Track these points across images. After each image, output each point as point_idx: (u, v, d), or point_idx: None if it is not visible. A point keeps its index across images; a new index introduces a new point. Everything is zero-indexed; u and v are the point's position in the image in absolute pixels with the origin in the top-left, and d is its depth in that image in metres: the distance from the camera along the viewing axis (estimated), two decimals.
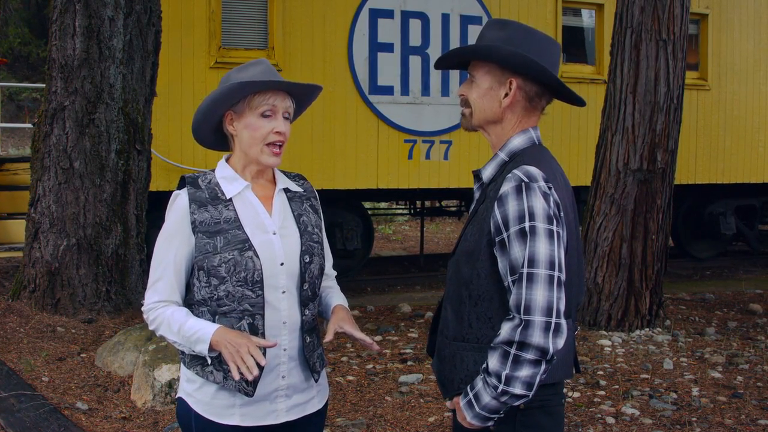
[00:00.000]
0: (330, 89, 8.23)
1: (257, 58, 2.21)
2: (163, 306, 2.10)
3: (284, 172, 2.28)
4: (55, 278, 6.20)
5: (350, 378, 5.04)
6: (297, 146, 8.10)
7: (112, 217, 6.32)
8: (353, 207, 9.11)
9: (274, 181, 2.22)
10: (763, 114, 10.43)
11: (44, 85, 6.54)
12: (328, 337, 2.15)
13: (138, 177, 6.48)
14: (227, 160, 2.20)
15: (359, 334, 2.17)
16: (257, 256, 2.07)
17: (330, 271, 2.35)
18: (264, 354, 2.05)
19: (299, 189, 2.26)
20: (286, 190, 2.23)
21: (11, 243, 8.21)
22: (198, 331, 2.03)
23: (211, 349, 2.02)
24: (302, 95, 2.21)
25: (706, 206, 10.67)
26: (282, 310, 2.12)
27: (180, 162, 7.44)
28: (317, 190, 2.36)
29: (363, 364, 5.36)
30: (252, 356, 1.95)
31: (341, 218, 8.84)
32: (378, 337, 6.05)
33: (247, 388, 2.08)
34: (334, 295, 2.31)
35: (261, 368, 2.02)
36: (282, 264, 2.11)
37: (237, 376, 1.95)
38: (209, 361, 2.06)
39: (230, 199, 2.12)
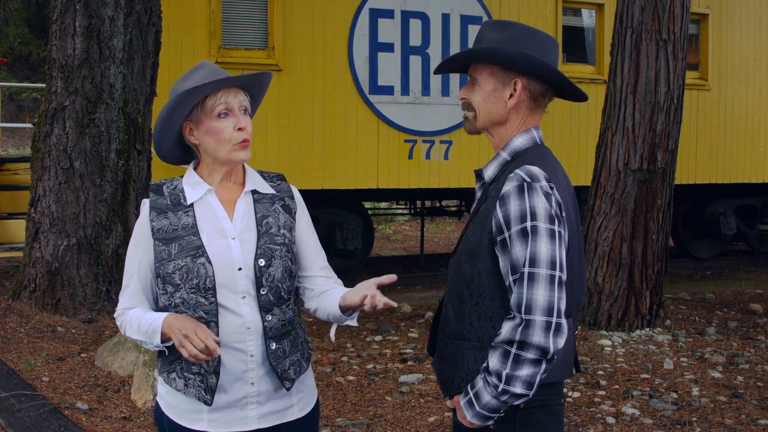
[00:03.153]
0: (330, 89, 8.23)
1: (200, 62, 2.16)
2: (128, 311, 2.13)
3: (262, 173, 2.22)
4: (55, 278, 6.20)
5: (350, 378, 5.04)
6: (297, 146, 8.10)
7: (113, 217, 6.32)
8: (353, 207, 9.11)
9: (243, 183, 2.17)
10: (763, 114, 10.43)
11: (44, 85, 6.54)
12: (374, 300, 1.94)
13: (138, 177, 6.48)
14: (195, 167, 2.17)
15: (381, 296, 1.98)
16: (209, 263, 2.03)
17: (328, 274, 2.22)
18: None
19: (270, 190, 2.18)
20: (254, 192, 2.16)
21: (11, 243, 8.21)
22: (152, 323, 2.03)
23: (163, 338, 2.01)
24: (254, 88, 2.16)
25: (707, 206, 10.66)
26: (245, 315, 2.06)
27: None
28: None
29: (363, 364, 5.36)
30: (201, 340, 1.92)
31: (341, 218, 8.84)
32: (378, 337, 6.05)
33: (206, 396, 2.05)
34: (335, 291, 2.16)
35: (216, 358, 2.00)
36: (240, 269, 2.07)
37: (187, 355, 1.92)
38: (166, 353, 2.03)
39: (191, 205, 2.10)
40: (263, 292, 2.08)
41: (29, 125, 11.59)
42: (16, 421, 4.17)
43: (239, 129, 2.07)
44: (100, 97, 6.23)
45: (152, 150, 6.71)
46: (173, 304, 2.05)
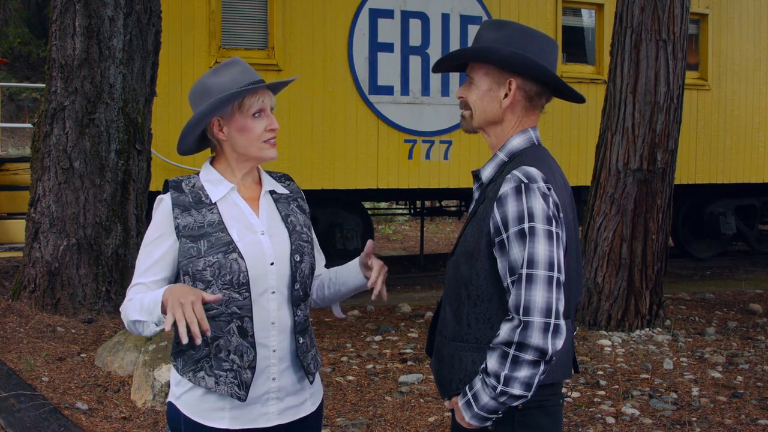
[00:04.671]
0: (330, 89, 8.23)
1: (230, 58, 2.18)
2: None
3: (270, 173, 2.27)
4: (55, 278, 6.20)
5: (350, 378, 5.04)
6: (297, 146, 8.10)
7: (112, 217, 6.32)
8: (353, 207, 9.11)
9: (260, 183, 2.21)
10: (763, 114, 10.43)
11: (44, 85, 6.54)
12: (373, 277, 2.12)
13: (138, 177, 6.48)
14: (212, 163, 2.19)
15: (377, 271, 2.13)
16: (242, 258, 2.05)
17: (322, 268, 2.32)
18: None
19: (285, 190, 2.24)
20: (272, 192, 2.21)
21: (11, 243, 8.21)
22: (155, 296, 1.94)
23: (164, 309, 1.89)
24: (276, 89, 2.23)
25: (706, 206, 10.66)
26: (270, 310, 2.09)
27: (180, 162, 7.45)
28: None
29: (363, 364, 5.36)
30: (196, 317, 1.81)
31: (341, 218, 8.84)
32: (378, 337, 6.05)
33: (240, 392, 2.05)
34: (341, 266, 2.27)
35: (205, 336, 1.87)
36: (272, 264, 2.09)
37: (168, 328, 1.81)
38: (189, 352, 1.95)
39: (214, 203, 2.11)
40: (296, 287, 2.13)
41: (29, 125, 11.59)
42: (15, 421, 4.17)
43: (271, 129, 2.12)
44: (99, 97, 6.23)
45: (152, 150, 6.71)
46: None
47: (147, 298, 1.99)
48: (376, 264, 2.15)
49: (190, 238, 2.06)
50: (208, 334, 1.85)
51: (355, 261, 2.23)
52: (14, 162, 8.69)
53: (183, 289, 1.89)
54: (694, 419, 4.38)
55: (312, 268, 2.19)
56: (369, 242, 2.15)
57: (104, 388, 4.75)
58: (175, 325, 1.83)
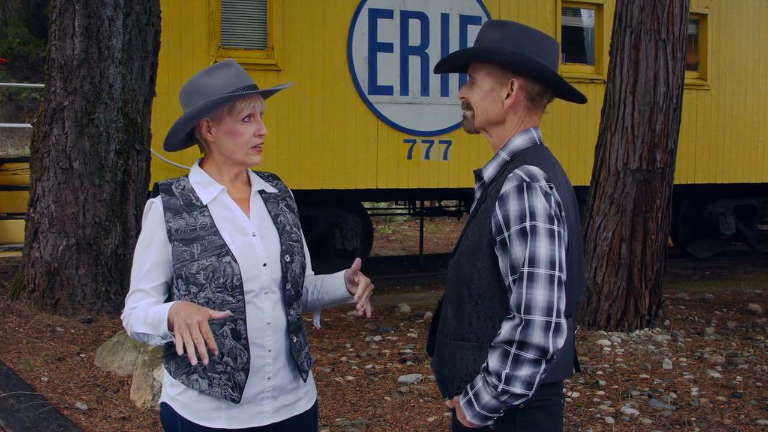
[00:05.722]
0: (329, 89, 8.23)
1: (224, 60, 2.18)
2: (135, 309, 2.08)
3: (258, 173, 2.27)
4: (54, 278, 6.20)
5: (350, 378, 5.04)
6: (296, 146, 8.10)
7: (112, 217, 6.32)
8: (353, 207, 9.11)
9: (249, 183, 2.22)
10: (762, 114, 10.44)
11: (44, 85, 6.54)
12: (360, 289, 2.13)
13: (137, 177, 6.48)
14: (200, 165, 2.19)
15: (362, 288, 2.14)
16: (235, 261, 2.05)
17: (309, 271, 2.33)
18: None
19: (274, 190, 2.25)
20: (261, 192, 2.22)
21: (11, 243, 8.20)
22: (160, 311, 1.96)
23: (170, 326, 1.92)
24: (269, 93, 2.22)
25: (706, 206, 10.67)
26: (266, 310, 2.10)
27: (179, 162, 7.44)
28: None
29: (363, 364, 5.36)
30: (203, 336, 1.83)
31: (341, 218, 8.84)
32: (377, 337, 6.05)
33: (234, 394, 2.06)
34: (329, 275, 2.29)
35: (213, 355, 1.87)
36: (265, 265, 2.10)
37: (180, 352, 1.83)
38: (178, 350, 1.91)
39: (205, 205, 2.11)
40: (288, 288, 2.14)
41: (28, 125, 11.59)
42: (15, 421, 4.17)
43: (259, 135, 2.12)
44: (99, 97, 6.23)
45: (151, 150, 6.71)
46: (197, 304, 2.04)
47: (151, 312, 2.00)
48: (362, 280, 2.16)
49: (182, 242, 2.06)
50: (216, 353, 1.87)
51: (341, 273, 2.25)
52: (14, 162, 8.68)
53: (189, 309, 1.90)
54: (693, 419, 4.38)
55: (303, 267, 2.20)
56: (356, 260, 2.17)
57: (104, 388, 4.75)
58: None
